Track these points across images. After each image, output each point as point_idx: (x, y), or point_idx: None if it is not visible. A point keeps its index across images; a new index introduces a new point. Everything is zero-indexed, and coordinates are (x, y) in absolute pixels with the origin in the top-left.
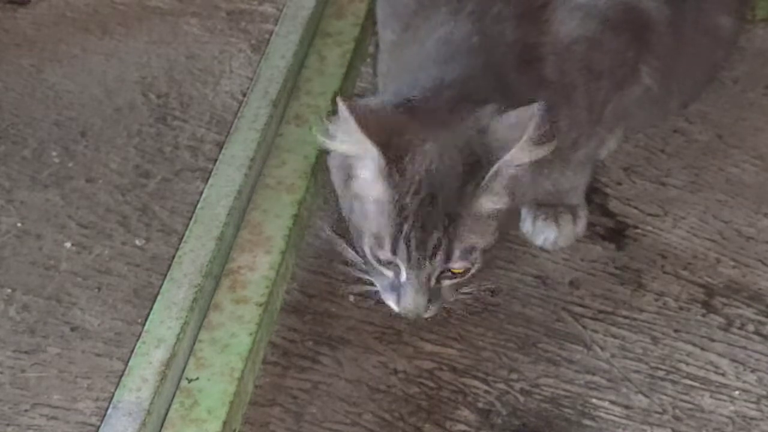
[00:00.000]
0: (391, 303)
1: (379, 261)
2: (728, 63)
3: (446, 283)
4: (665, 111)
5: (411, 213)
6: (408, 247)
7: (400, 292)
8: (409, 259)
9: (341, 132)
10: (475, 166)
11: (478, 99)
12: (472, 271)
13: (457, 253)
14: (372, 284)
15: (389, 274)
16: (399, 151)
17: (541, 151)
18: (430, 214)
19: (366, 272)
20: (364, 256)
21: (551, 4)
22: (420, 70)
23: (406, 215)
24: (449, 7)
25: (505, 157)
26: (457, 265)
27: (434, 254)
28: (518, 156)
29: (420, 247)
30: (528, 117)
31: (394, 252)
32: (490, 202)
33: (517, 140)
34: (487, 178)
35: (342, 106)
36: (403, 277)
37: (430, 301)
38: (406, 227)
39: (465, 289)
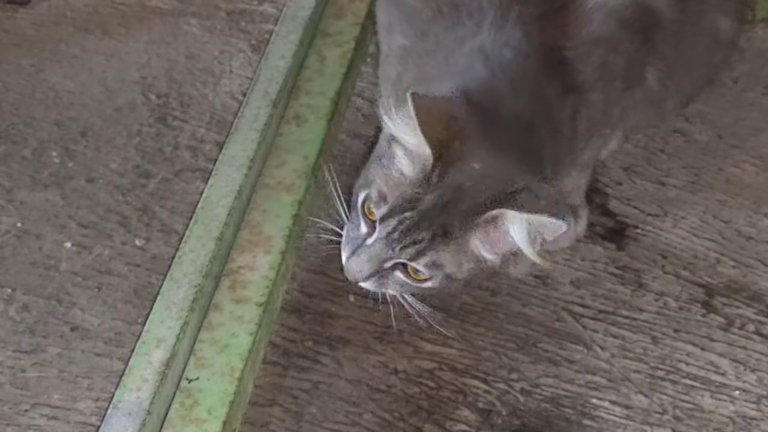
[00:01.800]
0: (343, 255)
1: (363, 212)
2: (727, 65)
3: (397, 274)
4: (662, 113)
5: (420, 206)
6: (396, 225)
7: (356, 250)
8: (386, 234)
9: (403, 122)
10: (488, 204)
11: (537, 145)
12: (427, 285)
13: (425, 259)
14: (336, 234)
15: (362, 228)
16: (450, 158)
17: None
18: (433, 217)
19: (339, 218)
20: (354, 201)
21: (571, 5)
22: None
23: (414, 205)
24: (472, 18)
25: (513, 225)
26: (417, 267)
27: (407, 246)
28: (521, 238)
29: (403, 233)
30: (553, 228)
31: (382, 219)
32: (479, 244)
33: (532, 242)
34: (486, 215)
35: (410, 104)
36: (370, 240)
37: (374, 276)
38: (408, 213)
39: (411, 300)
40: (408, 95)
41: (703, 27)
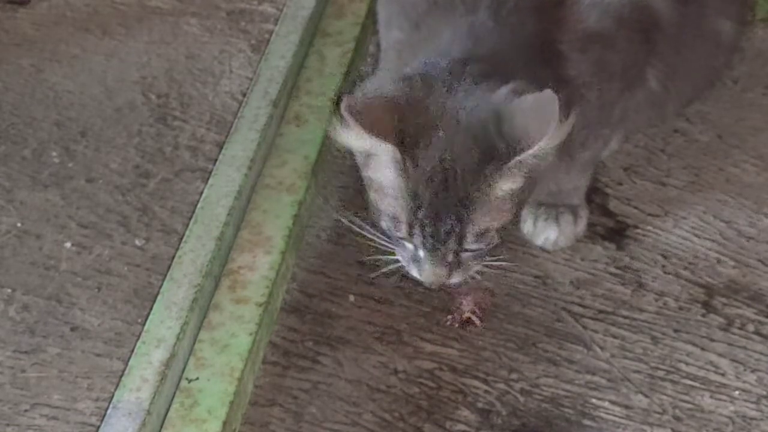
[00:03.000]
0: (414, 273)
1: (398, 238)
2: (729, 68)
3: (466, 255)
4: (662, 114)
5: (424, 201)
6: (423, 231)
7: (420, 265)
8: (424, 243)
9: (351, 132)
10: (493, 152)
11: (503, 72)
12: (492, 244)
13: (470, 237)
14: (393, 254)
15: (408, 246)
16: (412, 139)
17: (564, 134)
18: (443, 201)
19: (387, 244)
20: (383, 231)
21: (568, 1)
22: (444, 54)
23: (419, 203)
24: (466, 6)
25: (530, 151)
26: (472, 247)
27: (447, 238)
28: (544, 146)
29: (434, 232)
30: (550, 106)
31: (410, 234)
32: (507, 187)
33: (545, 133)
34: (508, 167)
35: (345, 114)
36: (421, 254)
37: (452, 270)
38: (420, 214)
39: (489, 260)
40: (342, 101)
41: (704, 30)
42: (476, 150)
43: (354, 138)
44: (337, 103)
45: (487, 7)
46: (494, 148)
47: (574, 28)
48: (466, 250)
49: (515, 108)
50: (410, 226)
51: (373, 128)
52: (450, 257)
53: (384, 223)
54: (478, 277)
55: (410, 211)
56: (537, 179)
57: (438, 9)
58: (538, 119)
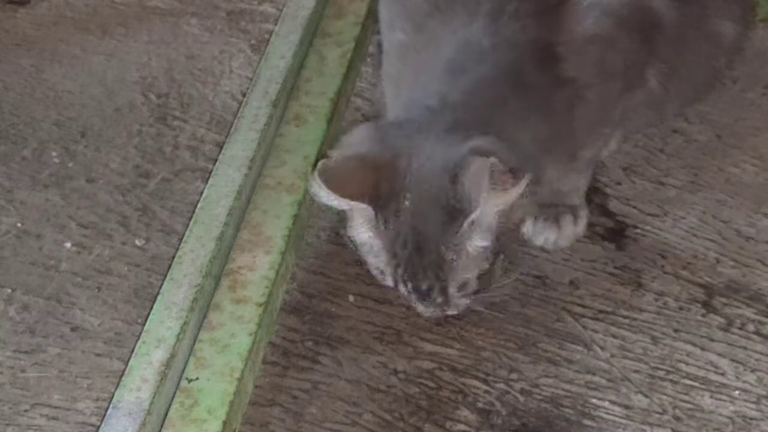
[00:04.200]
0: (412, 305)
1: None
2: (730, 69)
3: (458, 296)
4: (662, 115)
5: (402, 260)
6: (406, 286)
7: (416, 304)
8: (409, 295)
9: (326, 194)
10: (454, 214)
11: (478, 121)
12: (474, 286)
13: (452, 291)
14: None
15: (402, 290)
16: (385, 200)
17: (511, 196)
18: (419, 262)
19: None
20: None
21: (568, 2)
22: (431, 82)
23: (398, 263)
24: (466, 9)
25: (474, 214)
26: (456, 295)
27: (429, 293)
28: (488, 207)
29: (416, 288)
30: (481, 172)
31: (396, 286)
32: (476, 243)
33: (478, 197)
34: (463, 228)
35: (318, 180)
36: (413, 296)
37: (448, 307)
38: (399, 272)
39: (486, 293)
40: (314, 172)
41: (706, 30)
42: (439, 211)
43: (331, 199)
44: (315, 166)
45: (486, 14)
46: (453, 208)
47: (573, 30)
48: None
49: (465, 169)
50: (394, 280)
51: (345, 191)
52: (439, 300)
53: (374, 273)
54: (480, 307)
55: (392, 267)
56: (515, 226)
57: (440, 13)
58: (477, 184)
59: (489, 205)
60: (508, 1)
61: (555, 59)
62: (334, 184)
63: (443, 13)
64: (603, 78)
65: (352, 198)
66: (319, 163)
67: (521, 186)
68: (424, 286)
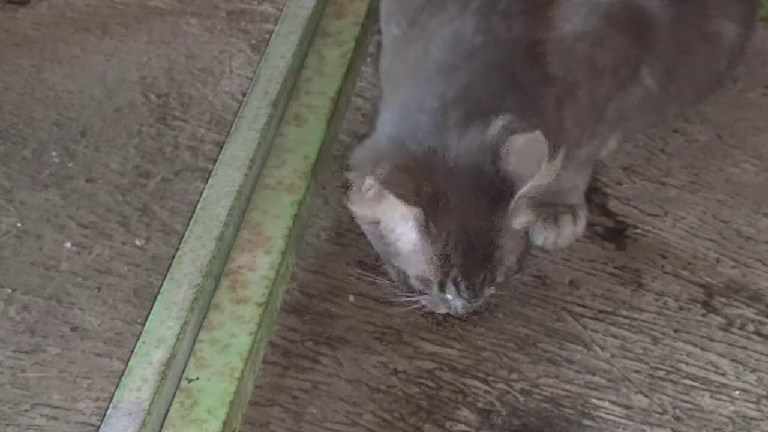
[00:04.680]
0: (442, 310)
1: (429, 293)
2: (733, 72)
3: (489, 289)
4: (662, 116)
5: (455, 261)
6: (458, 287)
7: (451, 304)
8: (459, 295)
9: (370, 201)
10: (497, 197)
11: (486, 110)
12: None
13: (499, 276)
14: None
15: (434, 290)
16: (431, 203)
17: (554, 171)
18: (474, 259)
19: (409, 296)
20: (405, 286)
21: (557, 0)
22: (425, 83)
23: (451, 264)
24: (456, 4)
25: (523, 189)
26: (498, 280)
27: (482, 288)
28: (536, 183)
29: (469, 285)
30: (539, 146)
31: (442, 290)
32: (519, 222)
33: (534, 173)
34: (510, 208)
35: (382, 187)
36: (449, 296)
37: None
38: (452, 274)
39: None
40: (371, 178)
41: (705, 32)
42: (484, 198)
43: (375, 206)
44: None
45: (476, 11)
46: (497, 190)
47: (561, 27)
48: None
49: (509, 147)
50: (442, 284)
51: (404, 196)
52: (488, 291)
53: (412, 284)
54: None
55: (441, 273)
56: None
57: (431, 6)
58: (529, 159)
59: (537, 179)
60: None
61: (543, 57)
62: (395, 190)
63: (435, 8)
64: (592, 76)
65: (412, 201)
66: (377, 172)
67: (560, 157)
68: (479, 280)
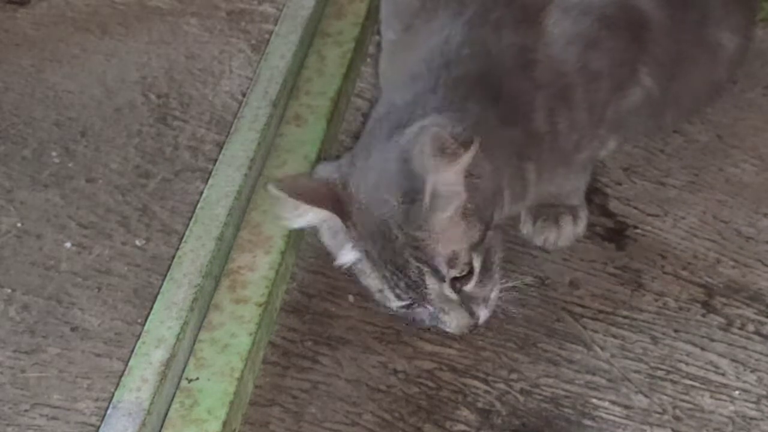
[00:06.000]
0: (444, 328)
1: (397, 307)
2: (730, 82)
3: (468, 287)
4: (660, 122)
5: (381, 261)
6: (403, 289)
7: (440, 319)
8: (413, 298)
9: (291, 211)
10: (412, 194)
11: (423, 114)
12: (477, 267)
13: (443, 268)
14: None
15: (419, 310)
16: (347, 206)
17: (464, 163)
18: (394, 253)
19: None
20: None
21: (547, 7)
22: (393, 91)
23: (380, 264)
24: (448, 11)
25: (429, 183)
26: (454, 274)
27: (423, 281)
28: (443, 175)
29: (409, 282)
30: (426, 142)
31: (399, 299)
32: (444, 215)
33: (429, 165)
34: (425, 204)
35: (275, 192)
36: (430, 308)
37: (472, 310)
38: (387, 274)
39: (506, 284)
40: (269, 186)
41: (703, 39)
42: (398, 199)
43: (295, 210)
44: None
45: (468, 20)
46: (410, 190)
47: (551, 32)
48: (455, 282)
49: (415, 146)
50: (392, 291)
51: (307, 198)
52: (452, 294)
53: (379, 301)
54: (511, 308)
55: (382, 278)
56: (497, 187)
57: (426, 12)
58: (424, 153)
59: (443, 173)
60: (492, 9)
61: (534, 62)
62: (295, 193)
63: (428, 14)
64: (588, 79)
65: (315, 204)
66: (275, 183)
67: (472, 150)
68: (412, 275)
